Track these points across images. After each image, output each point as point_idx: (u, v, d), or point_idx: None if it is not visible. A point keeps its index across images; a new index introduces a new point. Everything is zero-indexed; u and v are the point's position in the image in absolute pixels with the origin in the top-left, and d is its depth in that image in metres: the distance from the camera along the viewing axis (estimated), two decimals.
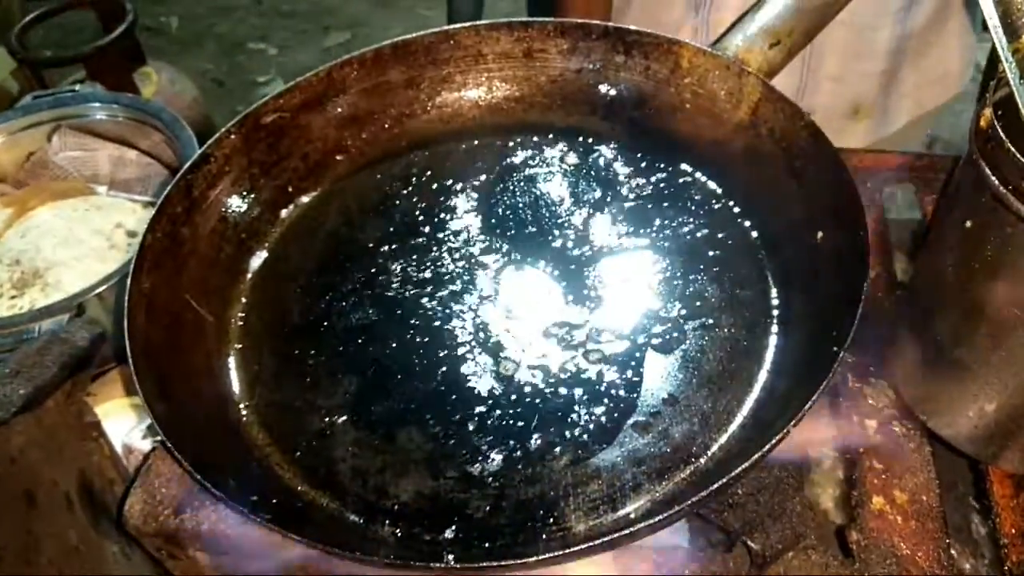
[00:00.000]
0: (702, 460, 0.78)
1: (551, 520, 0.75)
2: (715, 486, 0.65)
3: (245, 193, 0.99)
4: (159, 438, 0.80)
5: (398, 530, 0.75)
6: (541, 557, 0.65)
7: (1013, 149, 0.63)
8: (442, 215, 1.01)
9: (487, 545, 0.73)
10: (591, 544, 0.65)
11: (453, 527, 0.75)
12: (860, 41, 1.28)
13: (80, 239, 1.23)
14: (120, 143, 1.31)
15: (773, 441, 0.66)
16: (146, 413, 0.73)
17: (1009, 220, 0.65)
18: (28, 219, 1.26)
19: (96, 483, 0.92)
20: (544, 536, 0.74)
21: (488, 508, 0.76)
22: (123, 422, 0.97)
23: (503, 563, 0.66)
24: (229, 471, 0.75)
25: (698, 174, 1.01)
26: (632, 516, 0.74)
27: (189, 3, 4.11)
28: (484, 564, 0.67)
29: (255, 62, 3.81)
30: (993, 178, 0.65)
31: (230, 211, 0.97)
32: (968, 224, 0.70)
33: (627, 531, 0.65)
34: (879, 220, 1.01)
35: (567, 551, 0.65)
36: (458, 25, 1.06)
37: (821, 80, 1.32)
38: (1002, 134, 0.64)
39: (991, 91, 0.69)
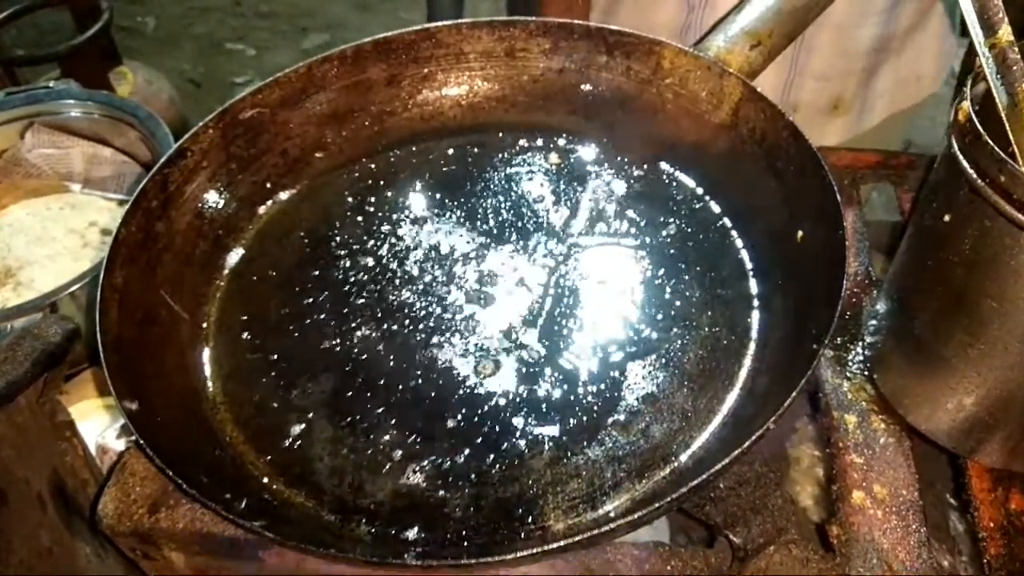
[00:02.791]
0: (682, 458, 0.77)
1: (530, 519, 0.74)
2: (691, 484, 0.65)
3: (222, 188, 0.97)
4: (133, 437, 0.78)
5: (374, 529, 0.74)
6: (519, 555, 0.64)
7: (991, 142, 0.63)
8: (422, 214, 1.00)
9: (465, 544, 0.72)
10: (568, 542, 0.64)
11: (430, 526, 0.74)
12: (845, 40, 1.28)
13: (53, 237, 1.22)
14: (95, 140, 1.30)
15: (752, 439, 0.65)
16: (117, 409, 0.72)
17: (987, 213, 0.65)
18: (0, 217, 1.25)
19: (69, 483, 0.90)
20: (523, 535, 0.73)
21: (466, 507, 0.75)
22: (97, 423, 0.96)
23: (480, 560, 0.65)
24: (202, 469, 0.73)
25: (679, 174, 1.01)
26: (612, 514, 0.74)
27: (166, 3, 4.07)
28: (461, 562, 0.66)
29: (233, 63, 3.78)
30: (971, 171, 0.65)
31: (207, 206, 0.96)
32: (947, 218, 0.70)
33: (605, 528, 0.65)
34: (857, 218, 1.01)
35: (544, 548, 0.64)
36: (440, 23, 1.05)
37: (807, 78, 1.32)
38: (979, 127, 0.64)
39: (969, 85, 0.69)
